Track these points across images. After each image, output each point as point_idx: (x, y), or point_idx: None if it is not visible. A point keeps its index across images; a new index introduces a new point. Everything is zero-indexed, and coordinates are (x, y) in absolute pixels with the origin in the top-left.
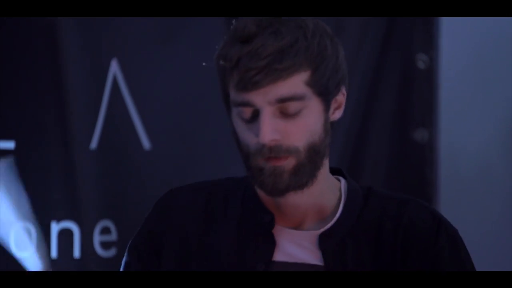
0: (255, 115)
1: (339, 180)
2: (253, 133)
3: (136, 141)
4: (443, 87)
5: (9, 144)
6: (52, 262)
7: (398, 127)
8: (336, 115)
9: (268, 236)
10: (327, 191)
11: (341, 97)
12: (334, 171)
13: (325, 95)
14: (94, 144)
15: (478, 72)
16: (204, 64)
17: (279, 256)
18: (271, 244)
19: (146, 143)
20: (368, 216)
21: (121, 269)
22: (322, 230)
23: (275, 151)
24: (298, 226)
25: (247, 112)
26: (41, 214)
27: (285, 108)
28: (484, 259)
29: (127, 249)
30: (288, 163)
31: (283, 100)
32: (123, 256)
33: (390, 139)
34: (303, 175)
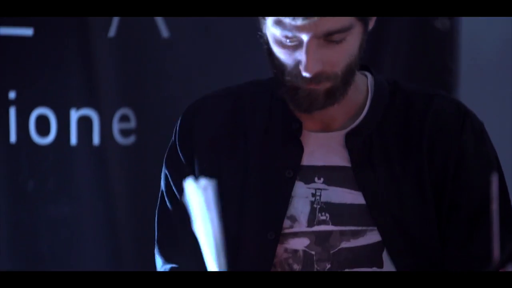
0: (299, 42)
1: (365, 76)
2: (293, 58)
3: (155, 28)
4: None
5: (28, 31)
6: (71, 149)
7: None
8: (371, 25)
9: (296, 142)
10: (354, 91)
11: None
12: (360, 66)
13: (367, 19)
14: (112, 32)
15: None
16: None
17: (307, 160)
18: (299, 150)
19: (164, 31)
20: (394, 112)
21: (162, 183)
22: (349, 128)
23: (316, 80)
24: (325, 128)
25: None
26: (61, 101)
27: (330, 37)
28: (504, 147)
29: (164, 162)
30: (323, 86)
31: (330, 34)
32: (142, 144)
33: (411, 28)
34: (337, 95)
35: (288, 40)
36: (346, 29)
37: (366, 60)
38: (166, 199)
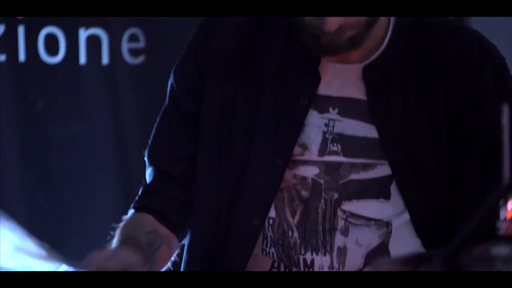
0: None
1: None
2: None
3: None
4: None
5: None
6: (80, 68)
7: None
8: None
9: (313, 72)
10: (375, 22)
11: None
12: None
13: None
14: None
15: None
16: None
17: (323, 90)
18: (316, 79)
19: None
20: (414, 45)
21: (168, 91)
22: (367, 61)
23: (339, 33)
24: (344, 60)
25: None
26: (69, 20)
27: None
28: None
29: (172, 72)
30: (347, 34)
31: None
32: (151, 64)
33: None
34: (362, 40)
35: None
36: None
37: None
38: (167, 104)
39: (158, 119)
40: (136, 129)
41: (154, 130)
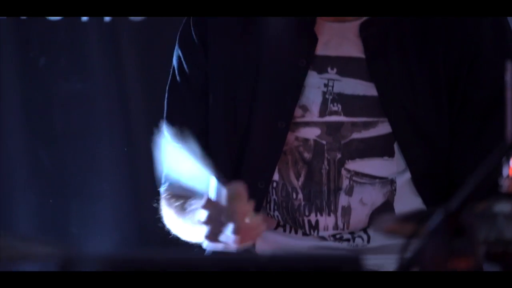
0: None
1: None
2: None
3: None
4: None
5: None
6: (82, 25)
7: None
8: None
9: (310, 32)
10: None
11: None
12: None
13: None
14: None
15: None
16: None
17: (320, 50)
18: (313, 39)
19: None
20: None
21: (174, 61)
22: (364, 18)
23: None
24: (340, 19)
25: None
26: None
27: None
28: None
29: (177, 41)
30: None
31: None
32: (153, 21)
33: None
34: None
35: None
36: None
37: None
38: (177, 77)
39: (169, 88)
40: (138, 86)
41: (167, 100)
